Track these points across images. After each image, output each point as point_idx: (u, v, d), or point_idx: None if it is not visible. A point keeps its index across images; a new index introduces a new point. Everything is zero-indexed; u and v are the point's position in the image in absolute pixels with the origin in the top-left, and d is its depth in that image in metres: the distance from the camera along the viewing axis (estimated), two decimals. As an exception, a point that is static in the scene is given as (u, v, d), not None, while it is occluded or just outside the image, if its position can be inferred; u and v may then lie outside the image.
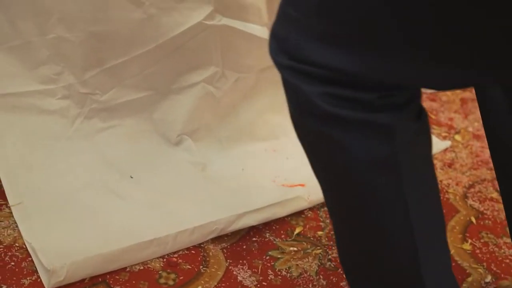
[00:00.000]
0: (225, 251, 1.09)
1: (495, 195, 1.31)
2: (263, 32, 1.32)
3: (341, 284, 1.04)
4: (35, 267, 0.99)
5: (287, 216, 1.17)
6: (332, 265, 1.07)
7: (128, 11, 1.19)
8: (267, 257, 1.08)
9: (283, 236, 1.13)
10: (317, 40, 0.65)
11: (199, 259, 1.06)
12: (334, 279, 1.05)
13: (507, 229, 0.93)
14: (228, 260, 1.06)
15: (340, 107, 0.66)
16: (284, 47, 0.67)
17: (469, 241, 1.17)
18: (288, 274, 1.05)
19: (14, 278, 0.97)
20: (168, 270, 1.03)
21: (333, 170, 0.71)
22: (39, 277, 0.97)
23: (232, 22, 1.27)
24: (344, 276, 0.96)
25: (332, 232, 1.14)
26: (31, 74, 1.22)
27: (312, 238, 1.13)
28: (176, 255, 1.06)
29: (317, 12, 0.64)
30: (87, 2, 1.18)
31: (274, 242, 1.12)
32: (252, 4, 1.30)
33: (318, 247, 1.11)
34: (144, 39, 1.22)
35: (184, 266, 1.04)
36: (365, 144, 0.67)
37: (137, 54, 1.23)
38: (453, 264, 1.09)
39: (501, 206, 1.17)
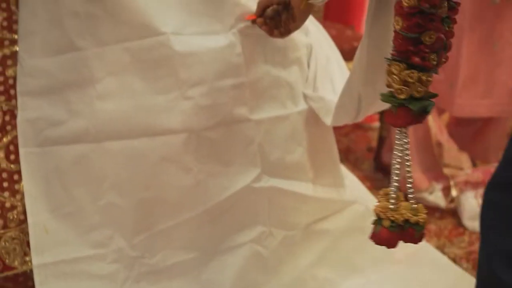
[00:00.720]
0: None
1: None
2: (308, 189, 1.34)
3: None
4: None
5: None
6: None
7: (178, 177, 1.22)
8: None
9: None
10: None
11: None
12: None
13: None
14: None
15: None
16: None
17: None
18: None
19: None
20: None
21: None
22: None
23: (278, 181, 1.29)
24: None
25: None
26: (82, 240, 1.24)
27: None
28: None
29: None
30: (138, 170, 1.22)
31: None
32: (298, 162, 1.32)
33: None
34: (193, 203, 1.25)
35: None
36: None
37: (186, 218, 1.25)
38: None
39: None
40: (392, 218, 0.89)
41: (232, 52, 1.21)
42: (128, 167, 1.22)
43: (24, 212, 1.23)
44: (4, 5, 1.25)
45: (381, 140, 2.16)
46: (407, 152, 0.88)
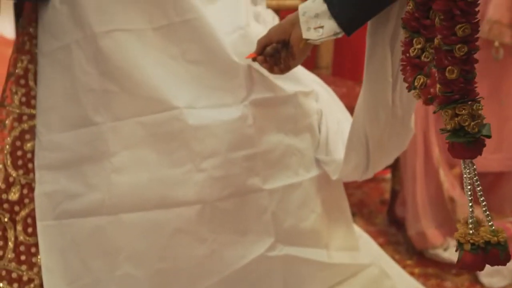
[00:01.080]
0: None
1: None
2: (322, 255, 1.34)
3: None
4: None
5: None
6: None
7: (193, 248, 1.24)
8: None
9: None
10: None
11: None
12: None
13: None
14: None
15: None
16: None
17: None
18: None
19: None
20: None
21: None
22: None
23: (293, 250, 1.30)
24: None
25: None
26: (99, 311, 1.25)
27: None
28: None
29: None
30: (153, 241, 1.23)
31: None
32: (312, 229, 1.33)
33: None
34: (208, 273, 1.25)
35: None
36: None
37: (201, 288, 1.26)
38: None
39: None
40: (471, 241, 0.90)
41: (244, 124, 1.24)
42: (144, 239, 1.23)
43: (41, 286, 1.24)
44: (23, 81, 1.29)
45: (394, 193, 2.16)
46: (476, 178, 0.90)
